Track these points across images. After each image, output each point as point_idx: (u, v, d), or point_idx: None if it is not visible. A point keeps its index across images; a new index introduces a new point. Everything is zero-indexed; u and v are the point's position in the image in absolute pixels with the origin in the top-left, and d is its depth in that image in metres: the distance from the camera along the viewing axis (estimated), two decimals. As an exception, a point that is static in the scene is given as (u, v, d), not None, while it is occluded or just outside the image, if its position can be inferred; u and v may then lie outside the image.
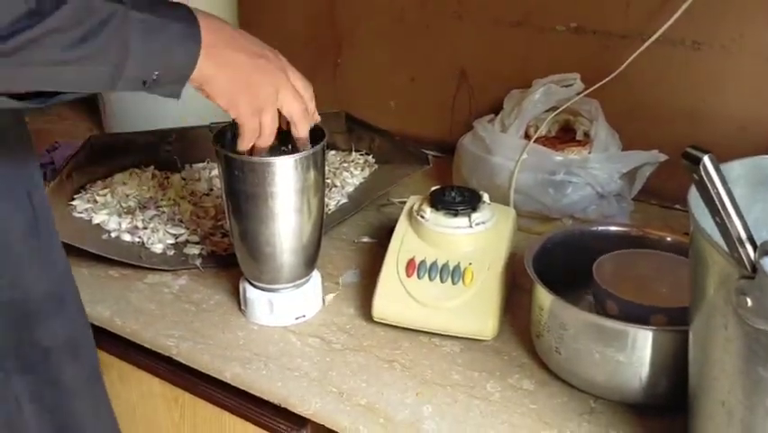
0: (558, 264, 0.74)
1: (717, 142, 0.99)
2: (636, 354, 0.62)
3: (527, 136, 0.96)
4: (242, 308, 0.79)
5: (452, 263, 0.76)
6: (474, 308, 0.74)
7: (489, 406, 0.66)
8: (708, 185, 0.39)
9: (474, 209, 0.77)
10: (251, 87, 0.62)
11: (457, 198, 0.79)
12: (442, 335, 0.75)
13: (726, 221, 0.40)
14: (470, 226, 0.77)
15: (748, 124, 0.96)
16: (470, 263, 0.76)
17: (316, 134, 0.72)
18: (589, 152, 0.91)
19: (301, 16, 1.29)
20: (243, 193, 0.72)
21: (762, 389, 0.44)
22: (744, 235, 0.40)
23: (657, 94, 1.00)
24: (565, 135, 0.99)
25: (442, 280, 0.75)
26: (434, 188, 0.80)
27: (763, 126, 0.95)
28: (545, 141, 0.97)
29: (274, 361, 0.72)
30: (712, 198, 0.39)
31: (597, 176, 0.88)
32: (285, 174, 0.70)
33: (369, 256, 0.90)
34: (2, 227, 0.62)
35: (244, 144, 0.67)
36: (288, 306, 0.77)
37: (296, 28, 1.29)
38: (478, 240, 0.77)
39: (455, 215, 0.77)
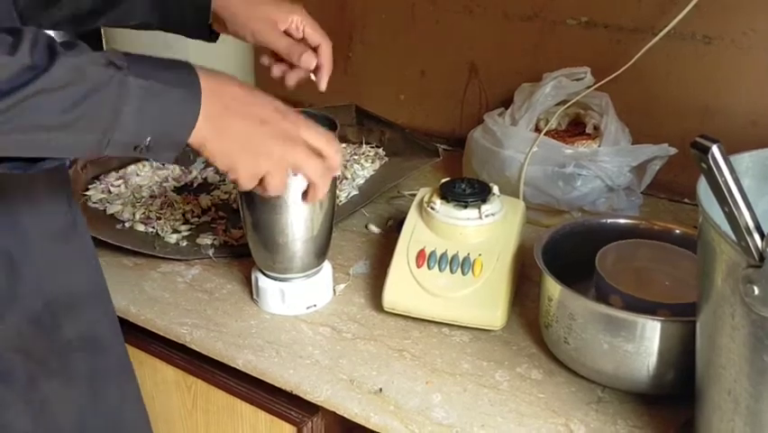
0: (566, 256, 0.74)
1: (727, 137, 0.98)
2: (644, 344, 0.62)
3: (537, 129, 0.97)
4: (255, 297, 0.80)
5: (462, 254, 0.77)
6: (483, 299, 0.74)
7: (498, 395, 0.67)
8: (717, 174, 0.39)
9: (484, 201, 0.78)
10: (251, 154, 0.58)
11: (467, 189, 0.80)
12: (451, 325, 0.76)
13: (734, 210, 0.40)
14: (480, 218, 0.78)
15: (759, 119, 0.96)
16: (480, 255, 0.76)
17: (328, 126, 0.73)
18: (599, 146, 0.91)
19: (312, 9, 1.29)
20: None
21: (767, 377, 0.44)
22: (751, 224, 0.40)
23: (668, 88, 1.00)
24: (575, 129, 1.00)
25: (451, 271, 0.76)
26: (444, 180, 0.81)
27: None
28: (555, 134, 0.98)
29: (286, 349, 0.73)
30: (720, 188, 0.40)
31: (606, 169, 0.88)
32: None
33: (379, 247, 0.91)
34: (45, 229, 0.63)
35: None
36: (300, 295, 0.78)
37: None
38: (487, 231, 0.78)
39: (465, 206, 0.78)
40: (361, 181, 1.05)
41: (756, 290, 0.42)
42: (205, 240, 0.91)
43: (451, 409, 0.65)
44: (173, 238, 0.91)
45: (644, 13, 0.98)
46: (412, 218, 0.82)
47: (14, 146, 0.49)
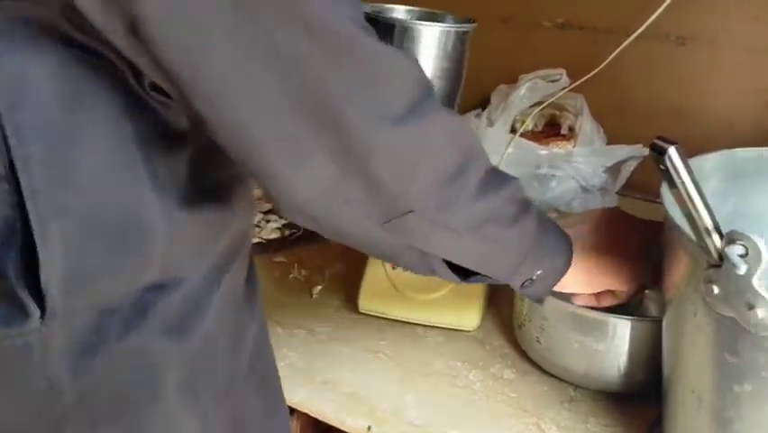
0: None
1: (702, 137, 1.02)
2: (614, 343, 0.63)
3: (514, 131, 0.97)
4: None
5: (437, 255, 0.77)
6: (458, 300, 0.75)
7: (471, 395, 0.67)
8: (674, 175, 0.40)
9: (459, 202, 0.78)
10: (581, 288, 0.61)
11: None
12: (426, 325, 0.76)
13: (693, 211, 0.41)
14: (455, 219, 0.78)
15: (734, 119, 0.97)
16: (455, 255, 0.77)
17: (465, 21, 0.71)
18: (574, 146, 0.92)
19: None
20: None
21: (728, 375, 0.45)
22: (710, 225, 0.41)
23: (643, 89, 1.01)
24: (551, 130, 1.01)
25: (428, 272, 0.76)
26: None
27: (748, 121, 0.97)
28: (532, 135, 0.98)
29: (261, 351, 0.73)
30: (678, 189, 0.40)
31: (581, 170, 0.89)
32: None
33: (355, 249, 0.91)
34: None
35: None
36: None
37: None
38: (462, 232, 0.78)
39: (440, 208, 0.78)
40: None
41: (716, 290, 0.42)
42: None
43: (424, 409, 0.65)
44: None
45: (618, 15, 0.99)
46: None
47: (445, 246, 0.48)
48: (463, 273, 0.52)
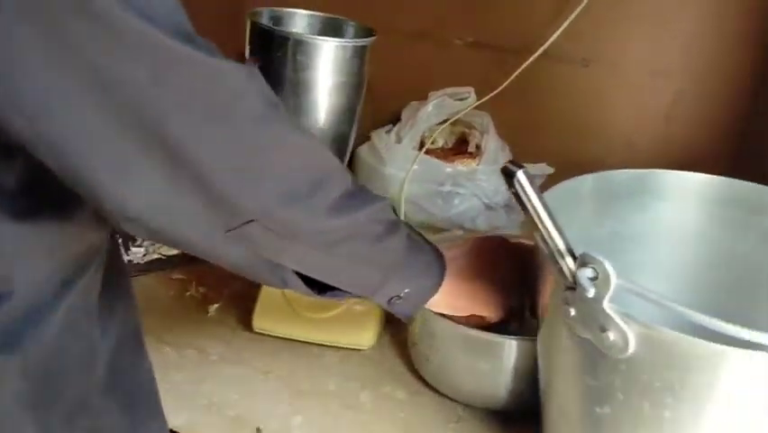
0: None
1: (605, 156, 1.04)
2: (500, 362, 0.63)
3: (423, 147, 0.97)
4: None
5: (334, 273, 0.76)
6: (353, 319, 0.74)
7: (360, 415, 0.66)
8: (524, 199, 0.40)
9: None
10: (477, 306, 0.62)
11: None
12: (322, 345, 0.75)
13: (545, 233, 0.41)
14: (353, 236, 0.77)
15: (635, 138, 1.00)
16: (352, 273, 0.76)
17: (365, 34, 0.70)
18: (478, 164, 0.93)
19: (203, 24, 1.27)
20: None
21: (589, 397, 0.45)
22: (563, 248, 0.41)
23: (548, 108, 1.03)
24: (460, 147, 1.01)
25: (324, 291, 0.75)
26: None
27: (649, 140, 0.99)
28: (442, 152, 0.99)
29: (146, 373, 0.70)
30: (529, 212, 0.40)
31: (484, 188, 0.90)
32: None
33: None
34: None
35: None
36: None
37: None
38: (361, 250, 0.77)
39: (338, 225, 0.77)
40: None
41: (573, 312, 0.43)
42: None
43: (310, 431, 0.64)
44: None
45: (526, 35, 1.00)
46: (287, 236, 0.80)
47: (311, 264, 0.49)
48: (319, 287, 0.51)
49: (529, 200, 0.40)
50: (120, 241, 0.91)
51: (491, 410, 0.66)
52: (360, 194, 0.48)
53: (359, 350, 0.74)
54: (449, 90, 0.99)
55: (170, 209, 0.39)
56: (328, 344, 0.74)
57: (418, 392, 0.69)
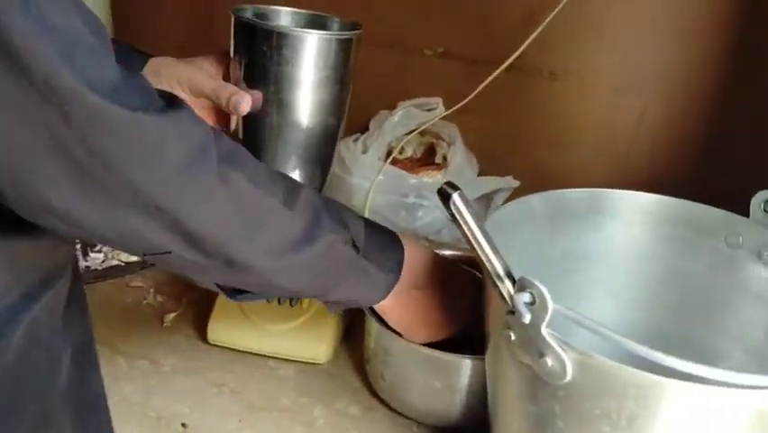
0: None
1: (572, 168, 1.04)
2: (454, 381, 0.62)
3: (390, 157, 0.97)
4: None
5: (292, 285, 0.75)
6: (310, 332, 0.73)
7: (312, 432, 0.65)
8: (460, 221, 0.39)
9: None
10: (422, 331, 0.62)
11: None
12: (278, 358, 0.74)
13: (482, 256, 0.40)
14: (312, 248, 0.76)
15: (602, 151, 1.00)
16: (310, 285, 0.75)
17: (351, 27, 0.69)
18: (443, 176, 0.92)
19: (177, 24, 1.26)
20: None
21: (530, 422, 0.45)
22: (501, 271, 0.40)
23: (517, 120, 1.03)
24: (428, 158, 1.01)
25: (280, 302, 0.74)
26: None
27: (615, 153, 0.99)
28: (409, 162, 0.98)
29: (96, 384, 0.69)
30: (466, 234, 0.40)
31: (448, 200, 0.89)
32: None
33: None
34: None
35: None
36: None
37: (172, 35, 1.26)
38: (320, 262, 0.77)
39: (298, 235, 0.76)
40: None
41: (513, 336, 0.42)
42: None
43: (259, 448, 0.63)
44: None
45: (495, 47, 1.00)
46: (246, 246, 0.79)
47: (250, 284, 0.50)
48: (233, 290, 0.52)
49: (465, 223, 0.39)
50: (78, 246, 0.90)
51: (445, 428, 0.65)
52: (311, 231, 0.49)
53: (315, 364, 0.73)
54: (417, 100, 0.99)
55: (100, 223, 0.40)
56: (284, 357, 0.73)
57: (373, 409, 0.68)
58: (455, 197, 0.38)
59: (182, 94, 0.65)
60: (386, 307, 0.59)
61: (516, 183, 0.95)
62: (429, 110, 0.99)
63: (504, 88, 0.98)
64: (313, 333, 0.73)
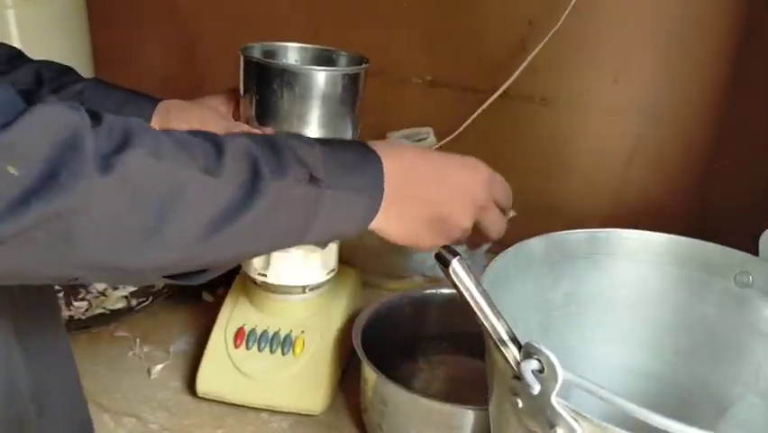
0: (400, 327, 0.72)
1: (567, 195, 1.02)
2: (454, 432, 0.59)
3: (382, 190, 0.94)
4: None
5: (284, 332, 0.72)
6: (303, 381, 0.70)
7: (308, 491, 0.62)
8: (460, 287, 0.37)
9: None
10: (430, 233, 0.55)
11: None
12: (272, 410, 0.70)
13: (484, 322, 0.38)
14: (304, 292, 0.73)
15: (596, 178, 0.98)
16: (302, 332, 0.72)
17: (358, 62, 0.70)
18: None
19: (159, 54, 1.24)
20: None
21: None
22: (505, 336, 0.38)
23: (510, 148, 1.01)
24: (421, 188, 0.98)
25: (271, 351, 0.71)
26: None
27: (609, 180, 0.97)
28: (402, 193, 0.96)
29: (80, 447, 0.65)
30: (467, 300, 0.37)
31: (442, 234, 0.86)
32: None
33: (209, 319, 0.85)
34: None
35: None
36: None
37: (154, 64, 1.23)
38: (312, 306, 0.74)
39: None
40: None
41: (520, 403, 0.39)
42: None
43: None
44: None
45: (483, 74, 0.98)
46: (235, 291, 0.76)
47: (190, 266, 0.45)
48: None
49: (467, 289, 0.36)
50: (62, 294, 0.87)
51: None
52: (248, 189, 0.42)
53: (311, 415, 0.70)
54: (407, 131, 0.96)
55: None
56: (278, 409, 0.70)
57: (371, 462, 0.65)
58: (454, 263, 0.36)
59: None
60: (379, 227, 0.52)
61: (511, 213, 0.92)
62: (420, 140, 0.97)
63: (495, 115, 0.96)
64: (307, 382, 0.70)
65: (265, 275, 0.70)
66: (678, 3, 0.86)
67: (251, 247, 0.46)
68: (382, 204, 0.50)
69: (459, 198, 0.55)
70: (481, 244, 0.63)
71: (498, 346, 0.38)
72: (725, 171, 0.89)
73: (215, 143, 0.43)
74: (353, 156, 0.50)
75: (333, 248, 0.72)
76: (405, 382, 0.70)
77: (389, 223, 0.52)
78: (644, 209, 0.94)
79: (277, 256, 0.69)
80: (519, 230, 0.96)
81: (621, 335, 0.58)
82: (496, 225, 0.59)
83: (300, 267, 0.70)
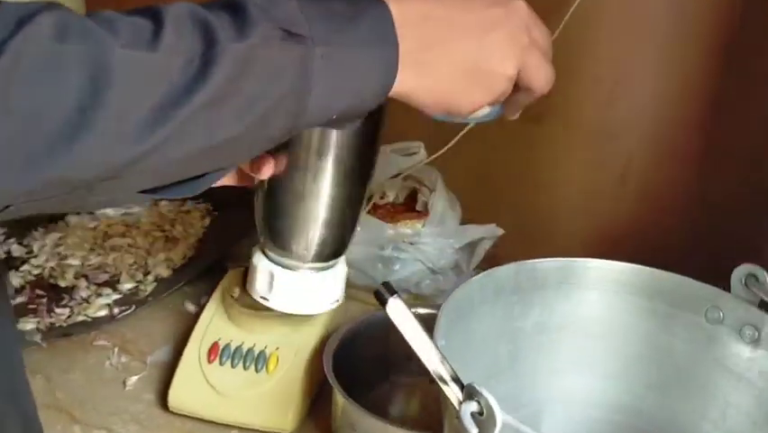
0: (376, 347, 0.71)
1: (559, 214, 1.00)
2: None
3: (373, 204, 0.93)
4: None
5: (258, 349, 0.71)
6: (275, 399, 0.69)
7: None
8: (399, 327, 0.36)
9: (286, 290, 0.73)
10: (469, 88, 0.45)
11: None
12: (243, 428, 0.70)
13: (426, 363, 0.37)
14: (280, 308, 0.73)
15: (589, 199, 0.97)
16: (277, 348, 0.72)
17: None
18: (423, 225, 0.89)
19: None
20: None
21: None
22: (446, 376, 0.37)
23: (502, 164, 0.99)
24: (411, 203, 0.97)
25: (245, 368, 0.71)
26: (245, 266, 0.76)
27: (602, 201, 0.96)
28: (392, 207, 0.95)
29: (47, 459, 0.65)
30: (407, 339, 0.36)
31: (426, 252, 0.86)
32: None
33: (192, 329, 0.84)
34: None
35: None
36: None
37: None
38: (289, 322, 0.73)
39: (265, 295, 0.73)
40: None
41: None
42: (28, 325, 0.82)
43: None
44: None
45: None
46: (212, 304, 0.76)
47: (175, 171, 0.38)
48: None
49: (404, 328, 0.36)
50: (44, 300, 0.87)
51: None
52: (202, 60, 0.35)
53: (280, 433, 0.70)
54: (397, 145, 0.96)
55: None
56: (248, 426, 0.70)
57: (338, 484, 0.64)
58: (392, 301, 0.35)
59: None
60: (403, 91, 0.42)
61: (499, 231, 0.91)
62: (410, 154, 0.96)
63: (488, 130, 0.95)
64: (278, 400, 0.69)
65: (267, 299, 0.66)
66: (674, 24, 0.84)
67: (222, 135, 0.37)
68: (399, 59, 0.41)
69: (495, 39, 0.45)
70: (521, 103, 0.53)
71: (440, 385, 0.37)
72: (718, 196, 0.87)
73: (153, 15, 0.35)
74: (346, 4, 0.40)
75: (340, 275, 0.69)
76: (379, 404, 0.70)
77: (414, 83, 0.42)
78: (635, 231, 0.93)
79: (281, 280, 0.65)
80: (508, 246, 0.96)
81: (592, 366, 0.57)
82: (541, 72, 0.48)
83: (306, 292, 0.66)
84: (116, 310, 0.86)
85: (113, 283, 0.91)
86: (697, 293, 0.53)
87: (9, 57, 0.30)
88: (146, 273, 0.93)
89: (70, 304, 0.87)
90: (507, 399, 0.55)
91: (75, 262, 0.94)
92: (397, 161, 0.94)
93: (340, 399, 0.62)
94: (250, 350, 0.71)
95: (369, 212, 0.90)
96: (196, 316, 0.86)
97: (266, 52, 0.36)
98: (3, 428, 0.51)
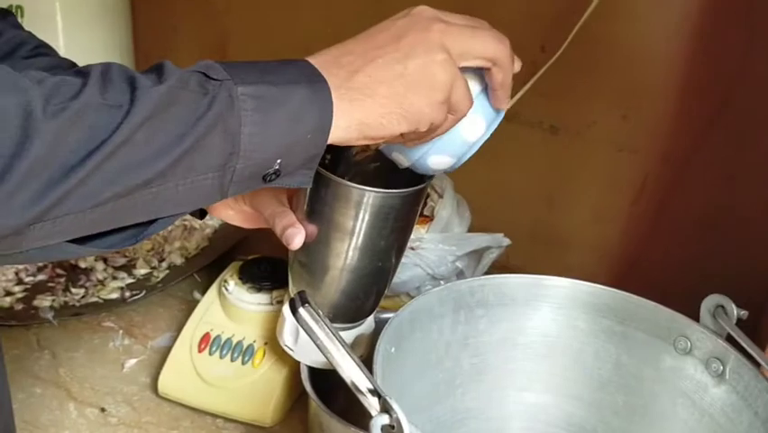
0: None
1: (571, 226, 0.99)
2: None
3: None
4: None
5: (247, 342, 0.73)
6: (258, 392, 0.71)
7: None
8: (311, 335, 0.36)
9: (278, 286, 0.75)
10: (416, 93, 0.44)
11: (266, 272, 0.77)
12: (227, 418, 0.72)
13: (339, 371, 0.37)
14: (271, 304, 0.74)
15: (600, 213, 0.94)
16: (266, 343, 0.73)
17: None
18: (427, 231, 0.89)
19: (195, 51, 1.27)
20: None
21: None
22: (362, 387, 0.37)
23: (517, 173, 0.98)
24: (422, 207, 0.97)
25: (232, 359, 0.73)
26: (250, 258, 0.78)
27: (615, 216, 0.94)
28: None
29: (40, 431, 0.69)
30: (319, 347, 0.37)
31: (426, 258, 0.86)
32: None
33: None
34: None
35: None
36: None
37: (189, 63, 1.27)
38: (278, 319, 0.75)
39: (258, 290, 0.75)
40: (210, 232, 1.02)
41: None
42: (44, 302, 0.87)
43: None
44: (6, 301, 0.87)
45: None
46: (209, 296, 0.78)
47: (113, 217, 0.38)
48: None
49: (317, 337, 0.36)
50: (63, 280, 0.91)
51: None
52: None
53: (263, 427, 0.71)
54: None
55: None
56: (230, 417, 0.71)
57: (309, 481, 0.66)
58: (301, 311, 0.36)
59: (241, 202, 0.60)
60: (354, 119, 0.42)
61: (506, 241, 0.90)
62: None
63: (504, 139, 0.94)
64: (261, 393, 0.71)
65: (293, 350, 0.64)
66: (693, 41, 0.81)
67: (142, 175, 0.37)
68: (332, 92, 0.41)
69: (412, 41, 0.44)
70: (499, 83, 0.52)
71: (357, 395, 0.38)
72: (735, 219, 0.84)
73: (78, 72, 0.37)
74: (268, 63, 0.42)
75: (366, 331, 0.66)
76: (357, 409, 0.70)
77: (354, 111, 0.42)
78: (648, 249, 0.90)
79: (306, 337, 0.56)
80: (521, 258, 0.95)
81: (556, 385, 0.56)
82: (478, 39, 0.46)
83: None
84: (128, 294, 0.89)
85: (129, 267, 0.95)
86: (668, 321, 0.51)
87: None
88: (161, 260, 0.96)
89: (86, 285, 0.91)
90: (472, 410, 0.55)
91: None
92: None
93: (312, 404, 0.63)
94: (239, 343, 0.73)
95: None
96: (202, 305, 0.89)
97: (185, 93, 0.38)
98: None
